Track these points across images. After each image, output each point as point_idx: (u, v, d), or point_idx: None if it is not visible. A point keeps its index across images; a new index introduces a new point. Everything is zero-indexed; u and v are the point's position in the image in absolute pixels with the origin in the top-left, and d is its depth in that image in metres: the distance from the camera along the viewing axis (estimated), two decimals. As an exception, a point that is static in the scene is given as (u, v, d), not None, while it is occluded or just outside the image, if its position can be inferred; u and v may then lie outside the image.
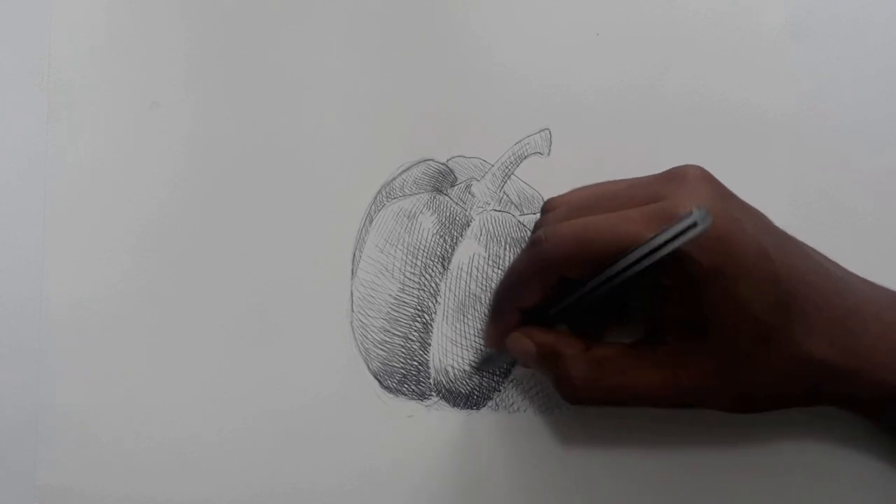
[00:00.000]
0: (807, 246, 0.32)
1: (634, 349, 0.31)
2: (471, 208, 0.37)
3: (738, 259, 0.28)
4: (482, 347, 0.36)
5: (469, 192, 0.37)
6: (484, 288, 0.36)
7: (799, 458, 0.35)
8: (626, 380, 0.30)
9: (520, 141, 0.37)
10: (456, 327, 0.36)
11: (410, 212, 0.37)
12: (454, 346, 0.36)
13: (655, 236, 0.27)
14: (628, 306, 0.33)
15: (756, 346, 0.29)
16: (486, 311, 0.35)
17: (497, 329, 0.33)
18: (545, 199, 0.37)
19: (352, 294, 0.37)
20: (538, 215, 0.37)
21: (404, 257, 0.37)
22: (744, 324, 0.28)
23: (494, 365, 0.36)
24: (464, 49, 0.38)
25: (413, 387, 0.36)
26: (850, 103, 0.37)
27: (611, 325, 0.34)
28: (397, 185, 0.37)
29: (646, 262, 0.27)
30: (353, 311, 0.37)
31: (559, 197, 0.34)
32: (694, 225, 0.26)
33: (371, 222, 0.37)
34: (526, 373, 0.36)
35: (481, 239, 0.37)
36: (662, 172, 0.31)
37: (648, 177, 0.31)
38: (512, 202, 0.37)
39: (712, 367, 0.29)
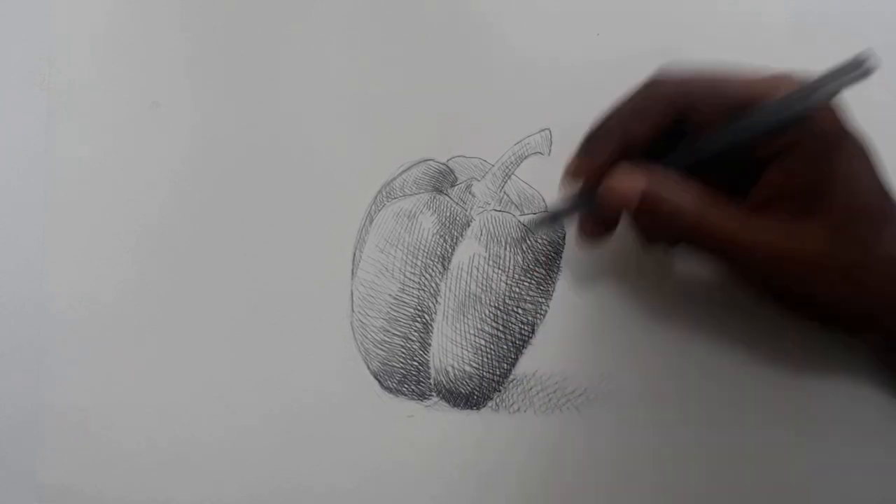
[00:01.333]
0: None
1: (746, 207, 0.29)
2: (471, 208, 0.37)
3: (856, 138, 0.28)
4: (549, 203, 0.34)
5: (469, 192, 0.37)
6: (484, 288, 0.36)
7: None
8: (738, 231, 0.28)
9: (520, 141, 0.37)
10: (456, 327, 0.36)
11: (410, 212, 0.37)
12: (454, 346, 0.36)
13: (819, 77, 0.26)
14: (732, 174, 0.30)
15: (868, 229, 0.28)
16: (580, 143, 0.31)
17: (591, 162, 0.30)
18: (545, 198, 0.37)
19: (352, 294, 0.37)
20: (538, 215, 0.37)
21: (404, 257, 0.37)
22: (865, 198, 0.28)
23: (557, 221, 0.33)
24: (464, 49, 0.38)
25: (413, 387, 0.36)
26: (850, 103, 0.37)
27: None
28: (397, 185, 0.37)
29: (797, 111, 0.26)
30: (353, 311, 0.37)
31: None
32: (863, 68, 0.25)
33: (371, 222, 0.37)
34: (527, 373, 0.36)
35: (481, 239, 0.36)
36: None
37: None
38: (512, 202, 0.37)
39: (821, 240, 0.28)
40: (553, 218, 0.34)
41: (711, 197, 0.29)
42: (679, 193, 0.28)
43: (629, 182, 0.29)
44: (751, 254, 0.28)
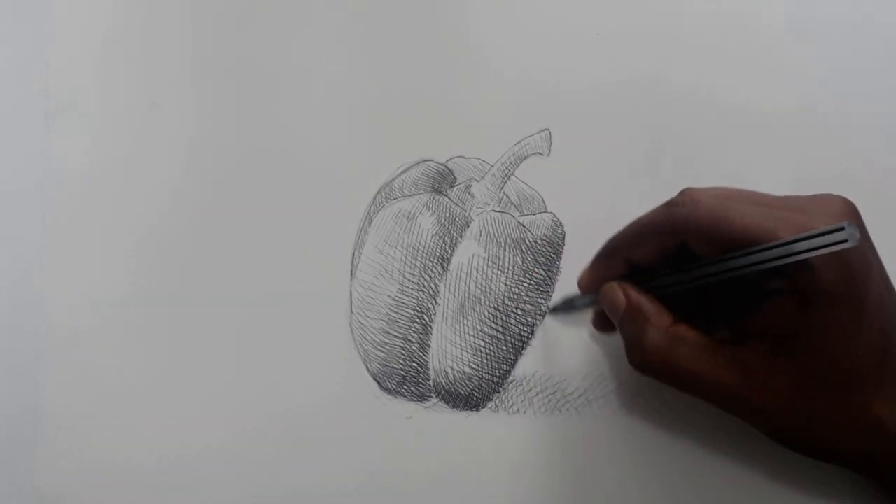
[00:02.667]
0: None
1: (715, 342, 0.30)
2: (470, 209, 0.37)
3: (860, 297, 0.28)
4: (564, 297, 0.36)
5: (469, 193, 0.37)
6: (483, 289, 0.36)
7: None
8: (696, 367, 0.30)
9: (520, 141, 0.37)
10: (455, 328, 0.36)
11: (410, 213, 0.37)
12: (453, 347, 0.36)
13: (799, 238, 0.27)
14: (721, 303, 0.32)
15: (837, 386, 0.28)
16: (594, 256, 0.35)
17: (596, 274, 0.34)
18: (545, 199, 0.37)
19: (351, 295, 0.37)
20: (538, 215, 0.37)
21: (403, 258, 0.36)
22: (838, 358, 0.28)
23: (571, 310, 0.36)
24: (464, 49, 0.38)
25: (412, 388, 0.36)
26: (850, 103, 0.37)
27: (698, 316, 0.33)
28: (396, 185, 0.37)
29: (775, 262, 0.27)
30: (352, 312, 0.37)
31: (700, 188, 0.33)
32: (842, 240, 0.26)
33: (370, 223, 0.37)
34: (526, 374, 0.36)
35: (481, 240, 0.36)
36: (811, 195, 0.30)
37: (796, 195, 0.31)
38: (512, 203, 0.37)
39: (787, 389, 0.29)
40: (568, 306, 0.36)
41: (678, 330, 0.31)
42: (643, 326, 0.31)
43: (612, 295, 0.33)
44: (712, 387, 0.30)
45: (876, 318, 0.28)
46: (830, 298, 0.28)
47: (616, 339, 0.36)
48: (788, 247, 0.27)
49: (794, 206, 0.29)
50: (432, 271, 0.36)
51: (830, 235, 0.26)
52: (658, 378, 0.31)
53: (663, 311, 0.31)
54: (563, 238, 0.37)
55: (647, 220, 0.32)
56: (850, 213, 0.29)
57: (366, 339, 0.36)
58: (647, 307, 0.31)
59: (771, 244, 0.27)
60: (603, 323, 0.35)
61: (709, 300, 0.33)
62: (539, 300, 0.36)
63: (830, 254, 0.26)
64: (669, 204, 0.31)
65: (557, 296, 0.37)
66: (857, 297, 0.28)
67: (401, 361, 0.36)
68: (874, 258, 0.30)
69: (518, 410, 0.36)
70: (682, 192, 0.32)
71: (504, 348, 0.36)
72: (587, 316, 0.36)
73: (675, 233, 0.30)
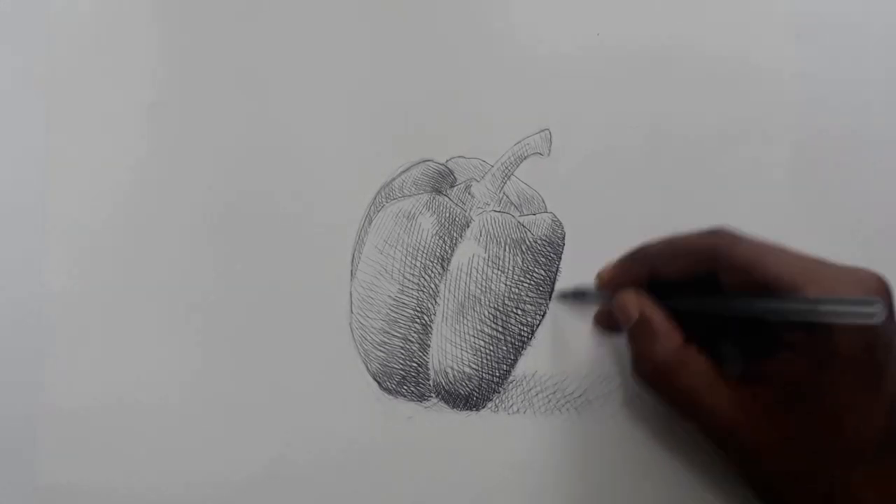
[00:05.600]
0: None
1: (721, 375, 0.31)
2: (470, 209, 0.37)
3: (878, 371, 0.28)
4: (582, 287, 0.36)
5: (469, 193, 0.37)
6: (483, 289, 0.36)
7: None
8: (699, 393, 0.30)
9: (520, 141, 0.37)
10: (455, 328, 0.36)
11: (410, 213, 0.37)
12: (453, 347, 0.36)
13: (828, 300, 0.27)
14: (731, 341, 0.33)
15: (831, 451, 0.29)
16: (624, 253, 0.35)
17: (619, 273, 0.34)
18: (545, 199, 0.37)
19: (351, 295, 0.37)
20: (538, 215, 0.37)
21: (403, 258, 0.36)
22: (842, 424, 0.28)
23: (580, 301, 0.36)
24: (464, 49, 0.38)
25: (412, 388, 0.36)
26: (851, 103, 0.37)
27: (709, 347, 0.33)
28: (396, 185, 0.37)
29: (795, 317, 0.28)
30: (352, 312, 0.37)
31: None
32: (868, 314, 0.26)
33: (370, 223, 0.37)
34: (526, 374, 0.36)
35: (481, 240, 0.36)
36: (852, 266, 0.30)
37: (836, 263, 0.31)
38: (512, 203, 0.37)
39: (781, 438, 0.29)
40: (578, 296, 0.36)
41: (687, 353, 0.31)
42: (652, 341, 0.31)
43: (626, 302, 0.33)
44: (708, 416, 0.30)
45: (887, 396, 0.28)
46: (848, 364, 0.28)
47: (616, 339, 0.36)
48: (814, 305, 0.27)
49: (830, 271, 0.30)
50: (432, 271, 0.36)
51: (859, 307, 0.27)
52: (659, 394, 0.32)
53: (674, 330, 0.32)
54: (563, 238, 0.37)
55: (689, 239, 0.32)
56: (882, 290, 0.29)
57: (366, 339, 0.36)
58: (658, 323, 0.32)
59: (798, 297, 0.28)
60: (606, 322, 0.35)
61: (720, 333, 0.33)
62: (539, 300, 0.36)
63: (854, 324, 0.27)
64: (713, 232, 0.31)
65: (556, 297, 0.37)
66: (874, 369, 0.28)
67: (401, 361, 0.36)
68: (894, 341, 0.30)
69: (518, 410, 0.36)
70: (724, 227, 0.32)
71: (504, 348, 0.36)
72: (588, 314, 0.36)
73: (712, 260, 0.31)
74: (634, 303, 0.32)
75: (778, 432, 0.29)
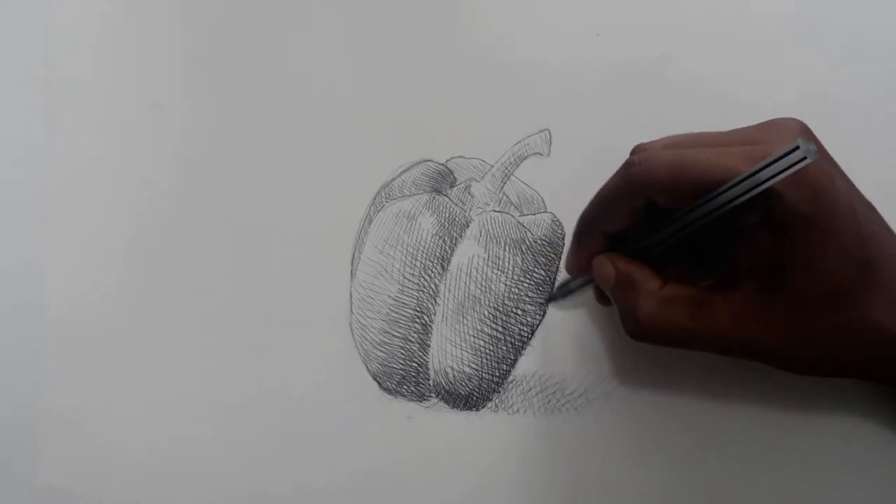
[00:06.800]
0: (886, 222, 0.31)
1: (706, 292, 0.30)
2: (470, 209, 0.37)
3: (830, 212, 0.28)
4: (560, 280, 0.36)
5: (468, 193, 0.37)
6: (483, 289, 0.36)
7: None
8: (693, 323, 0.30)
9: (520, 141, 0.37)
10: (455, 328, 0.36)
11: (410, 213, 0.37)
12: (453, 347, 0.36)
13: (759, 168, 0.26)
14: (707, 249, 0.32)
15: (829, 304, 0.28)
16: (571, 237, 0.35)
17: (580, 254, 0.34)
18: (545, 199, 0.37)
19: (351, 295, 0.37)
20: (538, 215, 0.37)
21: (403, 258, 0.37)
22: (822, 278, 0.28)
23: (570, 291, 0.36)
24: (464, 49, 0.38)
25: (412, 388, 0.36)
26: (851, 103, 0.37)
27: (688, 267, 0.33)
28: (396, 185, 0.37)
29: (743, 197, 0.27)
30: (352, 312, 0.37)
31: (652, 141, 0.33)
32: (801, 158, 0.25)
33: (370, 223, 0.37)
34: (526, 374, 0.36)
35: (481, 240, 0.36)
36: (761, 122, 0.31)
37: (747, 127, 0.31)
38: (511, 203, 0.37)
39: (782, 320, 0.29)
40: (564, 289, 0.36)
41: (667, 292, 0.30)
42: (634, 294, 0.31)
43: (602, 269, 0.32)
44: (707, 341, 0.30)
45: (851, 230, 0.28)
46: (802, 220, 0.28)
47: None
48: (751, 179, 0.27)
49: (747, 137, 0.29)
50: (432, 271, 0.36)
51: (788, 157, 0.26)
52: (655, 343, 0.31)
53: (652, 274, 0.31)
54: (563, 238, 0.37)
55: (609, 187, 0.32)
56: (803, 131, 0.29)
57: (366, 339, 0.36)
58: (635, 273, 0.31)
59: (734, 181, 0.27)
60: (603, 296, 0.35)
61: (694, 252, 0.32)
62: (539, 300, 0.36)
63: (793, 175, 0.26)
64: (626, 166, 0.31)
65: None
66: (826, 212, 0.28)
67: (401, 361, 0.36)
68: (837, 172, 0.30)
69: (518, 410, 0.36)
70: (635, 150, 0.32)
71: (504, 348, 0.36)
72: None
73: (639, 193, 0.30)
74: (607, 264, 0.32)
75: (777, 315, 0.29)
